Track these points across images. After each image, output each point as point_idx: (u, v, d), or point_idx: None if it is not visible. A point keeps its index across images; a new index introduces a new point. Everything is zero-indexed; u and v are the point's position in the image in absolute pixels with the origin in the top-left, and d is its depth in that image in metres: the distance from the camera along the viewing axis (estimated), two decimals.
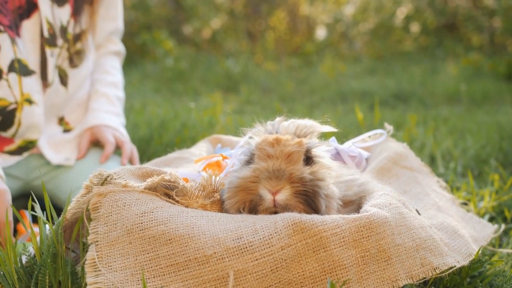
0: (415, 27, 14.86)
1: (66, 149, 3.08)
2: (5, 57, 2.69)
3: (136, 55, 11.36)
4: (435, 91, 8.44)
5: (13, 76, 2.72)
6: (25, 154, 2.92)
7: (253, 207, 1.83)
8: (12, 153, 2.88)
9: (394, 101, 8.00)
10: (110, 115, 3.23)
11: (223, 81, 9.58)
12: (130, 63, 10.38)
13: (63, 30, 2.93)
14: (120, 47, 3.50)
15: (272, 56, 13.59)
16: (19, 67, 2.74)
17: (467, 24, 13.87)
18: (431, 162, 4.12)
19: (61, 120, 3.13)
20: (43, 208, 2.50)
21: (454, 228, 2.18)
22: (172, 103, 7.00)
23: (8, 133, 2.80)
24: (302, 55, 13.68)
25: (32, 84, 2.80)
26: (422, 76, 9.93)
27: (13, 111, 2.75)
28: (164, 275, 1.68)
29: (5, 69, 2.69)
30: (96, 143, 3.21)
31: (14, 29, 2.74)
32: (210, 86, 9.22)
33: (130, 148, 3.10)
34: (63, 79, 2.99)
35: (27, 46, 2.81)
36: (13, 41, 2.71)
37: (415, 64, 11.68)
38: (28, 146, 2.90)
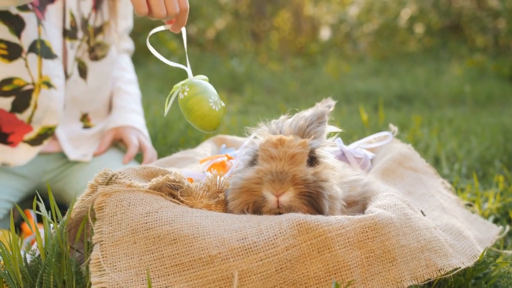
0: (419, 28, 14.84)
1: (85, 145, 3.09)
2: (28, 36, 2.67)
3: (140, 55, 11.35)
4: (439, 92, 8.44)
5: (32, 57, 2.69)
6: (45, 143, 2.89)
7: (257, 208, 1.83)
8: (33, 142, 2.85)
9: (398, 102, 8.00)
10: (135, 115, 3.25)
11: (228, 81, 9.59)
12: (134, 63, 10.34)
13: (84, 22, 2.93)
14: (130, 45, 3.54)
15: (276, 56, 13.60)
16: (41, 49, 2.72)
17: (472, 25, 13.85)
18: (436, 163, 4.11)
19: (84, 117, 3.12)
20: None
21: (459, 229, 2.18)
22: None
23: (24, 116, 2.77)
24: (306, 56, 13.68)
25: (53, 67, 2.78)
26: (426, 77, 9.92)
27: (29, 92, 2.72)
28: (168, 275, 1.68)
29: (25, 48, 2.67)
30: (116, 143, 3.23)
31: (41, 10, 2.73)
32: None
33: (152, 154, 3.13)
34: (82, 72, 2.98)
35: (51, 30, 2.80)
36: (39, 22, 2.70)
37: (419, 65, 11.67)
38: (48, 133, 2.87)
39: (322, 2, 15.98)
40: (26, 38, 2.67)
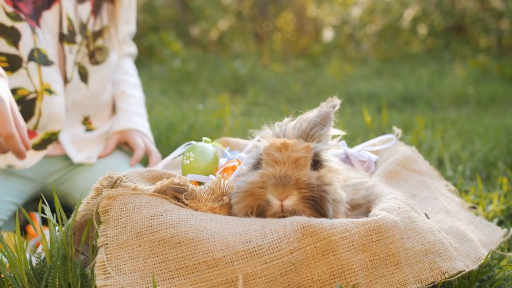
0: (422, 29, 14.81)
1: (88, 147, 3.11)
2: (25, 46, 2.70)
3: (143, 57, 11.38)
4: (442, 94, 8.42)
5: (32, 65, 2.72)
6: (50, 147, 2.91)
7: (261, 212, 1.83)
8: (37, 147, 2.87)
9: (402, 103, 7.99)
10: (140, 119, 3.27)
11: (230, 83, 9.59)
12: (137, 64, 10.35)
13: (83, 27, 2.95)
14: (133, 49, 3.56)
15: (279, 57, 13.59)
16: (38, 57, 2.74)
17: (475, 26, 13.82)
18: (439, 165, 4.11)
19: (86, 120, 3.13)
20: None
21: (463, 232, 2.18)
22: (179, 104, 7.02)
23: (29, 124, 2.79)
24: (309, 57, 13.67)
25: (52, 74, 2.80)
26: (429, 78, 9.91)
27: (33, 101, 2.74)
28: (173, 278, 1.69)
29: (25, 58, 2.70)
30: (120, 145, 3.24)
31: (34, 18, 2.75)
32: (217, 88, 9.24)
33: (157, 157, 3.14)
34: (83, 76, 3.00)
35: (46, 37, 2.82)
36: (33, 30, 2.73)
37: (422, 66, 11.65)
38: (51, 138, 2.89)
39: (325, 3, 15.97)
40: (24, 48, 2.70)
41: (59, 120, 2.86)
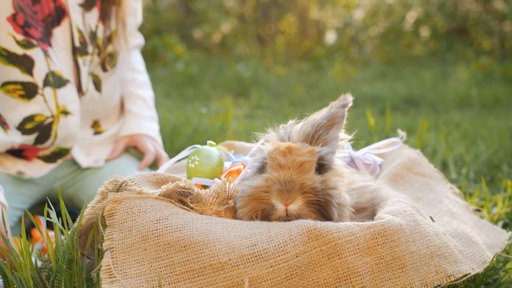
0: (425, 31, 14.81)
1: (96, 151, 3.11)
2: (40, 72, 2.69)
3: (146, 60, 11.30)
4: (445, 96, 8.42)
5: (48, 90, 2.71)
6: (60, 161, 2.92)
7: (266, 216, 1.83)
8: (47, 159, 2.88)
9: (405, 105, 7.98)
10: (149, 122, 3.26)
11: (234, 86, 9.60)
12: None
13: (93, 35, 2.92)
14: (140, 40, 3.50)
15: (282, 60, 13.60)
16: (53, 80, 2.73)
17: (478, 28, 13.82)
18: (443, 167, 4.10)
19: (95, 124, 3.13)
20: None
21: (468, 235, 2.18)
22: (183, 108, 7.02)
23: (45, 145, 2.80)
24: (312, 59, 13.68)
25: (67, 94, 2.79)
26: (432, 80, 9.91)
27: (50, 125, 2.75)
28: (179, 281, 1.69)
29: (40, 84, 2.69)
30: (128, 149, 3.24)
31: (45, 40, 2.73)
32: (220, 91, 9.24)
33: None
34: (97, 85, 2.99)
35: (59, 55, 2.80)
36: (45, 54, 2.71)
37: (425, 68, 11.65)
38: (63, 152, 2.89)
39: (327, 6, 15.99)
40: (39, 74, 2.69)
41: (73, 138, 2.87)
